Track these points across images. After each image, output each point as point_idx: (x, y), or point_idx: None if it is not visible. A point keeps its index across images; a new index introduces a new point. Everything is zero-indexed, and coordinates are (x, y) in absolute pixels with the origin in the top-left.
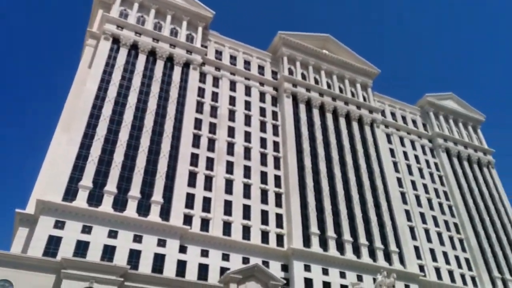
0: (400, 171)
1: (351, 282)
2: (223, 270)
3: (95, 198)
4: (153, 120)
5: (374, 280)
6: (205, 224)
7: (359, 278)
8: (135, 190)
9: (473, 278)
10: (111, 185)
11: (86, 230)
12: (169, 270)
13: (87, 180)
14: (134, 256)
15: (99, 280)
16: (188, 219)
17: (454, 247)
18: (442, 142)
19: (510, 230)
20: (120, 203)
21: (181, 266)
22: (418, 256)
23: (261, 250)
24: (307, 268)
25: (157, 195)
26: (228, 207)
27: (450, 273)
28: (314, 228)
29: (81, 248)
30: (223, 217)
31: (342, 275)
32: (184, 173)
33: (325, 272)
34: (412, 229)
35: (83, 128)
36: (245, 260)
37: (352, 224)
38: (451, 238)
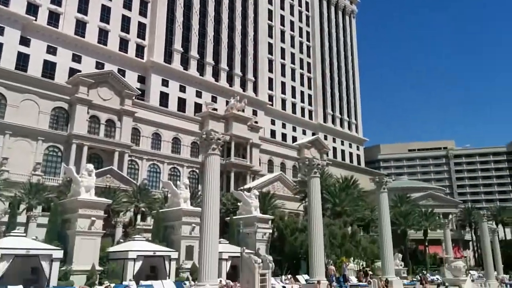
0: (272, 4)
1: (206, 101)
2: (73, 71)
3: None
4: None
5: (227, 102)
6: (54, 18)
7: (214, 99)
8: None
9: (310, 112)
10: None
11: None
12: (8, 61)
13: None
14: None
15: None
16: (33, 8)
17: (302, 84)
18: None
19: (351, 76)
20: None
21: (23, 60)
22: (270, 87)
23: (118, 57)
24: (164, 83)
25: None
26: (83, 5)
27: (293, 105)
28: (177, 45)
29: None
30: (77, 14)
31: (199, 95)
32: None
33: (183, 89)
34: (270, 62)
35: None
36: (100, 66)
37: (216, 48)
38: (301, 75)
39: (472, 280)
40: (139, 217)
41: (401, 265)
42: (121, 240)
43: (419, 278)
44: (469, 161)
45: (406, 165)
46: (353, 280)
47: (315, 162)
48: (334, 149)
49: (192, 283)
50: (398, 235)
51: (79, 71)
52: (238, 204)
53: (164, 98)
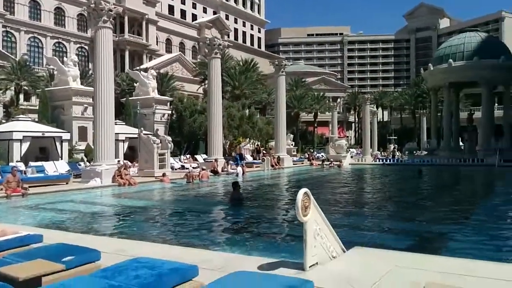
0: None
1: None
2: None
3: None
4: None
5: None
6: None
7: None
8: None
9: None
10: None
11: None
12: None
13: None
14: None
15: None
16: None
17: None
18: None
19: None
20: None
21: None
22: None
23: None
24: None
25: None
26: None
27: None
28: None
29: None
30: None
31: None
32: None
33: None
34: None
35: None
36: None
37: None
38: None
39: (352, 156)
40: (22, 96)
41: (292, 144)
42: (3, 121)
43: (307, 155)
44: (361, 47)
45: (304, 49)
46: (249, 158)
47: (217, 42)
48: (236, 30)
49: (88, 163)
50: (291, 117)
51: None
52: (135, 84)
53: None
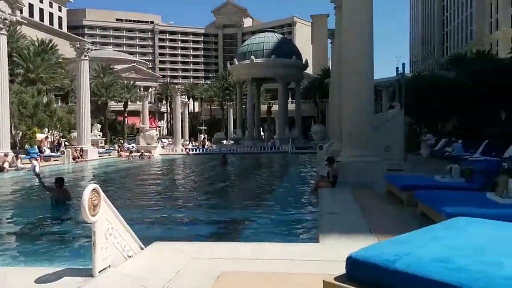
0: None
1: None
2: None
3: None
4: None
5: None
6: None
7: None
8: None
9: None
10: None
11: None
12: None
13: None
14: None
15: None
16: None
17: None
18: None
19: None
20: None
21: None
22: None
23: None
24: None
25: None
26: None
27: None
28: None
29: None
30: None
31: None
32: None
33: None
34: None
35: None
36: None
37: None
38: None
39: (163, 147)
40: None
41: (99, 135)
42: None
43: (117, 147)
44: (172, 38)
45: (113, 35)
46: (47, 151)
47: (2, 15)
48: (31, 6)
49: None
50: (99, 106)
51: None
52: None
53: None
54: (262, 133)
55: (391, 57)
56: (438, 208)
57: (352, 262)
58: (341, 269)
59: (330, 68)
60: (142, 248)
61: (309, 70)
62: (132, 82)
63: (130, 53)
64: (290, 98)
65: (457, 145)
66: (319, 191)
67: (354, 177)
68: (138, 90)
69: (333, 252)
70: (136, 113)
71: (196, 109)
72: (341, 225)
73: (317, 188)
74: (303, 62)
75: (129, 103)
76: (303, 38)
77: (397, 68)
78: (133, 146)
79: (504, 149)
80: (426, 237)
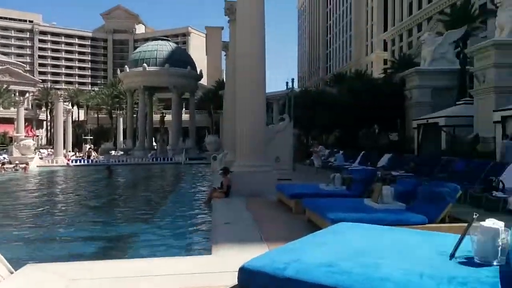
0: None
1: None
2: None
3: None
4: None
5: None
6: None
7: None
8: None
9: None
10: None
11: None
12: None
13: None
14: None
15: None
16: None
17: None
18: None
19: None
20: None
21: None
22: None
23: None
24: None
25: None
26: None
27: None
28: None
29: None
30: None
31: None
32: None
33: None
34: None
35: None
36: None
37: None
38: None
39: (41, 158)
40: None
41: None
42: None
43: None
44: (55, 40)
45: None
46: None
47: None
48: None
49: None
50: None
51: None
52: None
53: None
54: (154, 144)
55: (282, 73)
56: (323, 215)
57: (244, 272)
58: (235, 280)
59: (224, 79)
60: (11, 272)
61: (204, 81)
62: (5, 85)
63: (5, 54)
64: (184, 108)
65: (338, 155)
66: (213, 201)
67: (247, 187)
68: (13, 95)
69: (226, 263)
70: (9, 120)
71: (82, 117)
72: (234, 234)
73: (211, 199)
74: (198, 72)
75: (1, 109)
76: (197, 49)
77: (286, 82)
78: (4, 157)
79: (378, 159)
80: (313, 243)
